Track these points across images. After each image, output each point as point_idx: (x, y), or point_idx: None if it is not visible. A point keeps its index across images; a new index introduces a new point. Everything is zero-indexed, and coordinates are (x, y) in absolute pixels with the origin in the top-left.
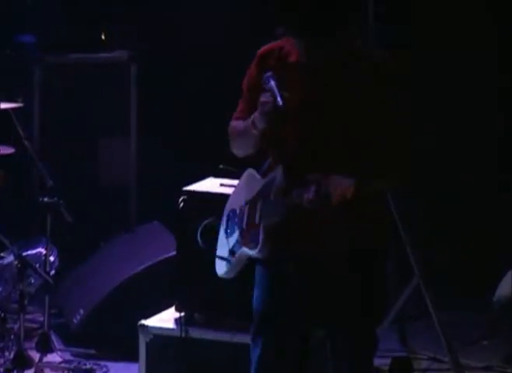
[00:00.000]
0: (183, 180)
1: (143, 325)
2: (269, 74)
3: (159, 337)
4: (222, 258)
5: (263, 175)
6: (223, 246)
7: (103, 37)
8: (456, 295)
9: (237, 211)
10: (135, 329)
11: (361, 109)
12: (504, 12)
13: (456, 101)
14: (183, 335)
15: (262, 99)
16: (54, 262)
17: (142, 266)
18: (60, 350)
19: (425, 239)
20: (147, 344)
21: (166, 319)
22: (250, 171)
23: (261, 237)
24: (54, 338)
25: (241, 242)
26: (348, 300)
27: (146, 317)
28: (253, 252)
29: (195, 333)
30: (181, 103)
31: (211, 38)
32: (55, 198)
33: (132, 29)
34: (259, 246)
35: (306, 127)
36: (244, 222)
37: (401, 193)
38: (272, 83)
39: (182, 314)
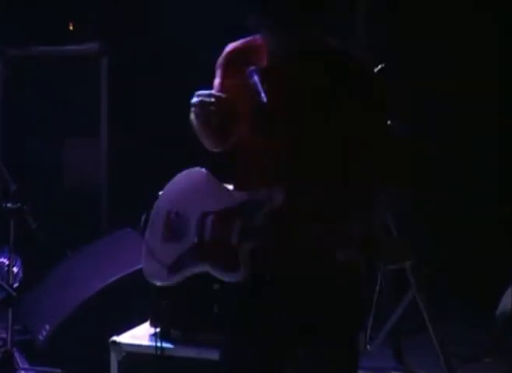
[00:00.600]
0: (158, 183)
1: (115, 342)
2: (253, 68)
3: (133, 355)
4: (163, 264)
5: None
6: (163, 250)
7: (70, 28)
8: (455, 308)
9: (186, 217)
10: (106, 347)
11: (347, 112)
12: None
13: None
14: (158, 352)
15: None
16: (17, 273)
17: (114, 278)
18: (24, 369)
19: (422, 249)
20: (119, 363)
21: (139, 335)
22: (203, 172)
23: (241, 261)
24: (17, 356)
25: (199, 256)
26: (330, 311)
27: (118, 333)
28: (229, 277)
29: (171, 350)
30: (156, 100)
31: (188, 28)
32: (19, 203)
33: (103, 19)
34: (240, 271)
35: (293, 138)
36: (206, 236)
37: (398, 201)
38: (256, 78)
39: (157, 330)
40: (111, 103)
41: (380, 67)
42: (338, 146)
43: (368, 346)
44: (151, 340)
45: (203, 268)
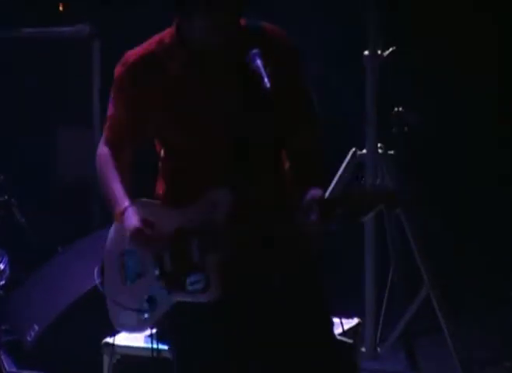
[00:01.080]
0: (154, 175)
1: (108, 344)
2: (256, 51)
3: (128, 357)
4: (131, 309)
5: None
6: (126, 295)
7: (60, 8)
8: (472, 308)
9: (138, 253)
10: (99, 349)
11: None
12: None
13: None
14: (155, 355)
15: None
16: (4, 270)
17: None
18: (11, 372)
19: (436, 246)
20: (113, 366)
21: (135, 337)
22: (138, 202)
23: (211, 277)
24: (4, 359)
25: (168, 286)
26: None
27: (112, 334)
28: (200, 297)
29: (169, 353)
30: None
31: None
32: (6, 196)
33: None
34: (212, 288)
35: (233, 133)
36: (167, 263)
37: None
38: (259, 62)
39: (154, 330)
40: (104, 90)
41: (391, 49)
42: (272, 136)
43: (378, 349)
44: (147, 342)
45: (175, 298)
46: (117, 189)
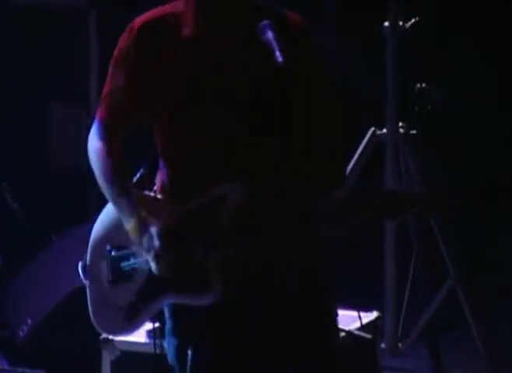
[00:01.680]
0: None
1: (107, 340)
2: (266, 22)
3: (128, 354)
4: (114, 311)
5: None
6: (113, 294)
7: None
8: (501, 302)
9: (128, 250)
10: (97, 344)
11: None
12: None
13: None
14: (157, 351)
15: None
16: None
17: None
18: (3, 370)
19: (462, 234)
20: (112, 363)
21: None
22: (137, 195)
23: (213, 277)
24: None
25: (158, 288)
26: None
27: None
28: (201, 300)
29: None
30: None
31: None
32: None
33: None
34: (213, 289)
35: (247, 118)
36: (164, 262)
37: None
38: (270, 34)
39: (156, 325)
40: (102, 65)
41: (413, 20)
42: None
43: (399, 345)
44: (148, 337)
45: (167, 300)
46: (129, 196)
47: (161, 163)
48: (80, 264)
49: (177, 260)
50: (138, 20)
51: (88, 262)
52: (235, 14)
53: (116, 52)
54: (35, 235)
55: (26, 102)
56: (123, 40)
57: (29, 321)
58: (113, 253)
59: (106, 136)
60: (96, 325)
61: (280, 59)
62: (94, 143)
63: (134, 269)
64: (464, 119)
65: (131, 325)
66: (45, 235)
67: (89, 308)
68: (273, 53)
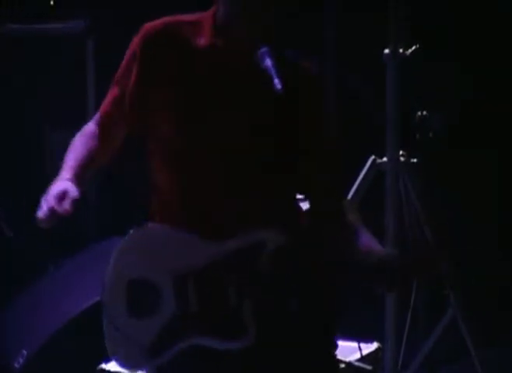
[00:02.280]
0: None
1: (103, 371)
2: (265, 49)
3: None
4: (136, 345)
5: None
6: (132, 327)
7: (51, 3)
8: (504, 331)
9: (153, 284)
10: None
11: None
12: None
13: None
14: None
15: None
16: None
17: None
18: None
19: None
20: None
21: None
22: (146, 228)
23: (247, 322)
24: None
25: (185, 329)
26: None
27: (107, 360)
28: (234, 344)
29: None
30: None
31: (183, 5)
32: None
33: None
34: (249, 334)
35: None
36: (191, 303)
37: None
38: (269, 62)
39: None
40: (99, 91)
41: (414, 48)
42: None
43: None
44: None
45: (194, 342)
46: (72, 159)
47: (154, 186)
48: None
49: (208, 302)
50: (150, 23)
51: (107, 295)
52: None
53: (126, 54)
54: (31, 263)
55: (22, 127)
56: (132, 43)
57: (25, 352)
58: (135, 285)
59: (98, 125)
60: (115, 361)
61: (279, 86)
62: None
63: (158, 307)
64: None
65: (150, 363)
66: (42, 263)
67: (107, 343)
68: (272, 80)
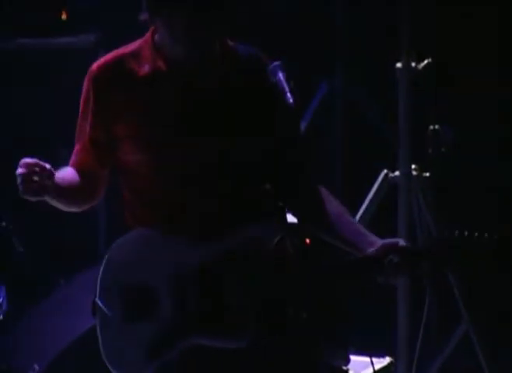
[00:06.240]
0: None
1: None
2: (277, 64)
3: None
4: (134, 349)
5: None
6: (125, 334)
7: (63, 17)
8: None
9: (149, 288)
10: None
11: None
12: None
13: None
14: None
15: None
16: (1, 304)
17: None
18: None
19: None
20: None
21: None
22: (140, 231)
23: (251, 323)
24: None
25: (186, 330)
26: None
27: None
28: (236, 343)
29: None
30: None
31: None
32: (3, 223)
33: (100, 7)
34: (248, 333)
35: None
36: (190, 304)
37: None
38: (281, 76)
39: None
40: None
41: (426, 62)
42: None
43: None
44: None
45: (195, 341)
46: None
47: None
48: (94, 301)
49: (207, 301)
50: (95, 64)
51: (102, 298)
52: (199, 59)
53: (81, 98)
54: (42, 279)
55: (34, 143)
56: (84, 86)
57: (37, 367)
58: (131, 290)
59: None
60: (109, 365)
61: (291, 101)
62: None
63: (155, 309)
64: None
65: (149, 366)
66: (53, 279)
67: (102, 346)
68: (284, 94)
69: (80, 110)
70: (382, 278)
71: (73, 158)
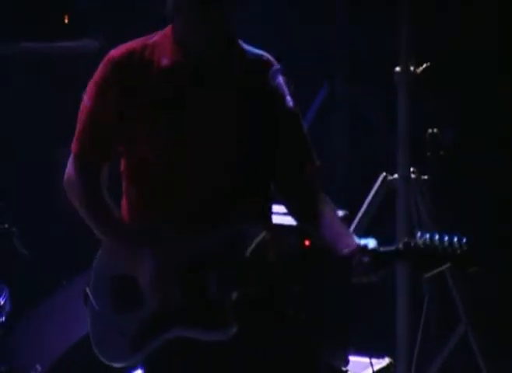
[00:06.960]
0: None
1: None
2: (277, 68)
3: None
4: (119, 339)
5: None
6: (116, 324)
7: (66, 21)
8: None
9: (135, 279)
10: None
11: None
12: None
13: None
14: None
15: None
16: (4, 305)
17: None
18: None
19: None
20: None
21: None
22: (132, 226)
23: (230, 314)
24: None
25: (168, 320)
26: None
27: None
28: (216, 335)
29: None
30: None
31: None
32: (6, 225)
33: (103, 11)
34: (230, 327)
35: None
36: (174, 296)
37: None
38: (281, 79)
39: None
40: None
41: (424, 66)
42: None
43: None
44: None
45: (177, 332)
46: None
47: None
48: (85, 290)
49: (190, 296)
50: (115, 51)
51: (92, 288)
52: (215, 52)
53: (94, 83)
54: (45, 280)
55: (36, 146)
56: (100, 71)
57: (39, 368)
58: (119, 282)
59: (82, 168)
60: (97, 352)
61: (291, 104)
62: (70, 175)
63: (141, 301)
64: (476, 162)
65: (134, 355)
66: (55, 280)
67: (91, 333)
68: (284, 97)
69: (90, 95)
70: (354, 278)
71: (78, 153)
